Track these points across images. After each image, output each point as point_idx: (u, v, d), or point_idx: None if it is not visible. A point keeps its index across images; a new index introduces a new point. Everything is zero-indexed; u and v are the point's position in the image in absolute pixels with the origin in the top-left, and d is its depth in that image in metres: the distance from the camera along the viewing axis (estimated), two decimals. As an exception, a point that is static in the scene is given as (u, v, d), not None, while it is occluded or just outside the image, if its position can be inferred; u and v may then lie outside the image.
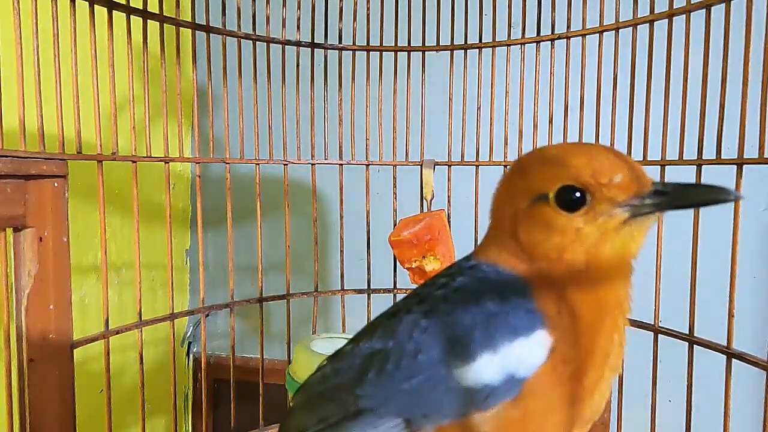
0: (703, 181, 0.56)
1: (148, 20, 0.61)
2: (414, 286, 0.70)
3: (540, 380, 0.30)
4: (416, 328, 0.33)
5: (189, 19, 0.67)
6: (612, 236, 0.31)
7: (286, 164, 0.74)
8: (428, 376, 0.31)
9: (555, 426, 0.31)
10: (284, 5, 0.72)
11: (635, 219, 0.31)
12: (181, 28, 0.65)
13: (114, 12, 0.57)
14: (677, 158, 0.58)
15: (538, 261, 0.32)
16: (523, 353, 0.30)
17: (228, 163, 0.70)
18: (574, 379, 0.31)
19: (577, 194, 0.31)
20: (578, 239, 0.31)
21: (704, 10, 0.55)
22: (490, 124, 0.76)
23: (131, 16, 0.59)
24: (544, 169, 0.32)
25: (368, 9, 0.75)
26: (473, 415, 0.30)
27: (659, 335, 0.60)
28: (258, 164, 0.72)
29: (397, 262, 0.71)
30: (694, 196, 0.31)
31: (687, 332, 0.57)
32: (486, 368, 0.30)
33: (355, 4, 0.77)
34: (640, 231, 0.32)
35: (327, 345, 0.69)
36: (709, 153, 0.55)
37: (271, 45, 0.72)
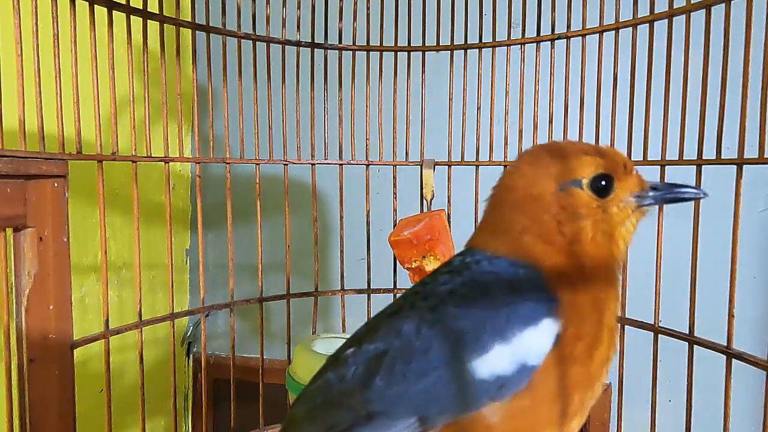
0: (703, 181, 0.56)
1: (148, 20, 0.61)
2: (414, 286, 0.70)
3: (549, 367, 0.31)
4: (424, 325, 0.32)
5: (189, 19, 0.67)
6: (626, 221, 0.36)
7: (286, 164, 0.74)
8: (441, 373, 0.31)
9: (564, 410, 0.32)
10: (284, 5, 0.72)
11: (640, 209, 0.36)
12: (181, 28, 0.65)
13: (114, 12, 0.57)
14: (677, 158, 0.58)
15: (560, 243, 0.34)
16: (533, 342, 0.31)
17: (228, 163, 0.70)
18: (586, 356, 0.32)
19: (603, 182, 0.34)
20: (604, 222, 0.34)
21: (704, 10, 0.55)
22: (490, 124, 0.76)
23: (131, 16, 0.59)
24: (579, 157, 0.35)
25: (368, 9, 0.75)
26: (486, 405, 0.31)
27: (659, 335, 0.60)
28: (258, 164, 0.72)
29: (397, 262, 0.71)
30: (678, 192, 0.36)
31: (687, 332, 0.57)
32: (499, 359, 0.31)
33: (355, 4, 0.77)
34: (639, 219, 0.37)
35: (327, 345, 0.69)
36: (709, 153, 0.55)
37: (271, 45, 0.72)
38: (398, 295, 0.78)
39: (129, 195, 0.62)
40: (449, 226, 0.66)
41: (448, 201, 0.76)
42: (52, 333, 0.51)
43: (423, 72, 0.77)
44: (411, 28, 0.76)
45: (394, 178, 0.78)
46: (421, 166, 0.75)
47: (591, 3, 0.66)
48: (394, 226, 0.72)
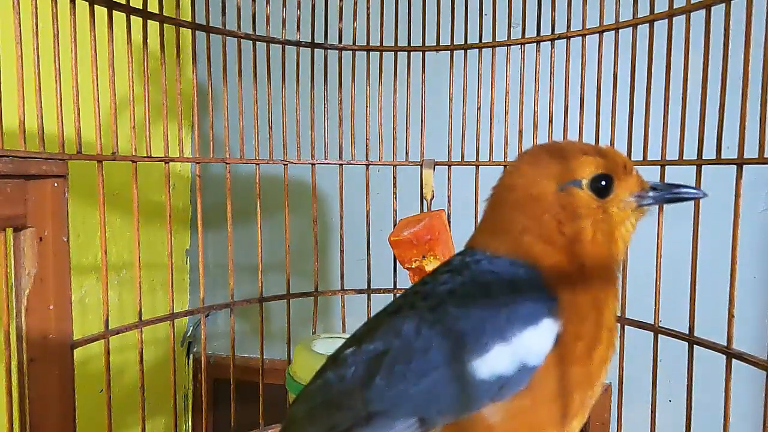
0: (703, 181, 0.56)
1: (148, 20, 0.61)
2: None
3: (549, 367, 0.31)
4: (424, 325, 0.32)
5: (189, 19, 0.67)
6: (625, 221, 0.36)
7: (286, 164, 0.74)
8: (441, 373, 0.31)
9: (564, 410, 0.32)
10: (284, 5, 0.72)
11: (640, 209, 0.36)
12: (181, 28, 0.65)
13: (114, 12, 0.57)
14: (677, 158, 0.58)
15: (560, 243, 0.34)
16: (533, 342, 0.31)
17: (228, 163, 0.70)
18: (585, 356, 0.32)
19: (603, 182, 0.34)
20: (604, 222, 0.34)
21: (704, 10, 0.55)
22: (490, 124, 0.76)
23: (131, 16, 0.59)
24: (579, 157, 0.35)
25: (368, 9, 0.75)
26: (486, 406, 0.31)
27: (659, 335, 0.60)
28: (258, 164, 0.72)
29: (397, 262, 0.71)
30: (678, 192, 0.36)
31: (687, 332, 0.57)
32: (499, 359, 0.31)
33: (355, 4, 0.77)
34: (639, 219, 0.37)
35: (327, 345, 0.69)
36: (709, 153, 0.55)
37: (271, 45, 0.72)
38: (398, 295, 0.78)
39: (129, 195, 0.62)
40: (449, 226, 0.66)
41: (448, 201, 0.76)
42: (52, 333, 0.51)
43: (423, 72, 0.77)
44: (411, 28, 0.76)
45: (394, 178, 0.78)
46: (421, 166, 0.75)
47: (591, 3, 0.66)
48: (394, 226, 0.72)
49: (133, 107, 0.60)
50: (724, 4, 0.53)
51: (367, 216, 0.77)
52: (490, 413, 0.31)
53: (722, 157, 0.54)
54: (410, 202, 0.78)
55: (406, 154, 0.77)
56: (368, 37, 0.76)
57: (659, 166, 0.60)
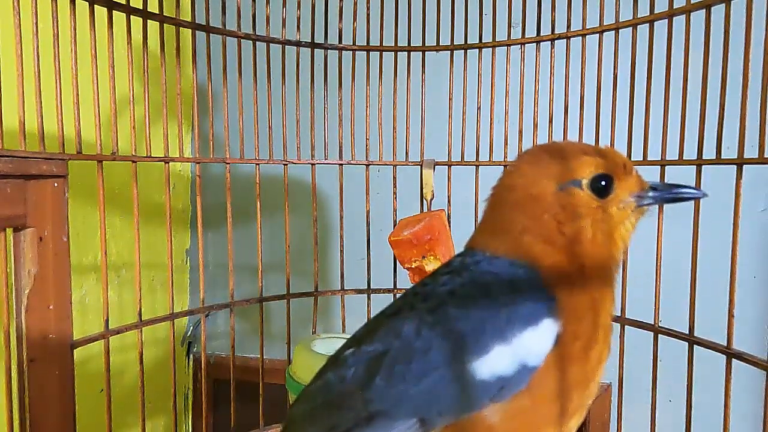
0: (703, 181, 0.56)
1: (148, 20, 0.61)
2: (414, 286, 0.70)
3: (548, 367, 0.31)
4: (424, 326, 0.32)
5: (189, 19, 0.67)
6: (625, 221, 0.36)
7: (286, 164, 0.74)
8: (441, 373, 0.31)
9: (563, 410, 0.32)
10: (284, 5, 0.72)
11: (639, 209, 0.36)
12: (181, 28, 0.65)
13: (114, 12, 0.57)
14: (677, 158, 0.58)
15: (560, 243, 0.34)
16: (533, 342, 0.31)
17: (228, 163, 0.70)
18: (582, 356, 0.32)
19: (603, 182, 0.34)
20: (603, 222, 0.34)
21: (704, 10, 0.55)
22: (490, 124, 0.76)
23: (131, 16, 0.59)
24: (579, 157, 0.35)
25: (368, 9, 0.75)
26: (486, 406, 0.31)
27: (659, 335, 0.60)
28: (258, 164, 0.72)
29: (397, 262, 0.71)
30: (678, 192, 0.36)
31: (687, 332, 0.57)
32: (499, 360, 0.31)
33: (355, 4, 0.77)
34: (638, 219, 0.37)
35: (327, 345, 0.69)
36: (709, 153, 0.55)
37: (271, 45, 0.72)
38: (398, 296, 0.78)
39: (129, 195, 0.62)
40: (449, 226, 0.66)
41: (448, 201, 0.76)
42: (52, 333, 0.51)
43: (423, 72, 0.76)
44: (411, 28, 0.76)
45: (394, 178, 0.78)
46: (421, 166, 0.75)
47: (591, 3, 0.66)
48: (394, 226, 0.72)
49: (133, 107, 0.60)
50: (724, 4, 0.53)
51: (367, 216, 0.77)
52: (489, 413, 0.31)
53: (722, 157, 0.54)
54: (410, 202, 0.78)
55: (406, 154, 0.77)
56: (368, 37, 0.76)
57: (659, 166, 0.60)
